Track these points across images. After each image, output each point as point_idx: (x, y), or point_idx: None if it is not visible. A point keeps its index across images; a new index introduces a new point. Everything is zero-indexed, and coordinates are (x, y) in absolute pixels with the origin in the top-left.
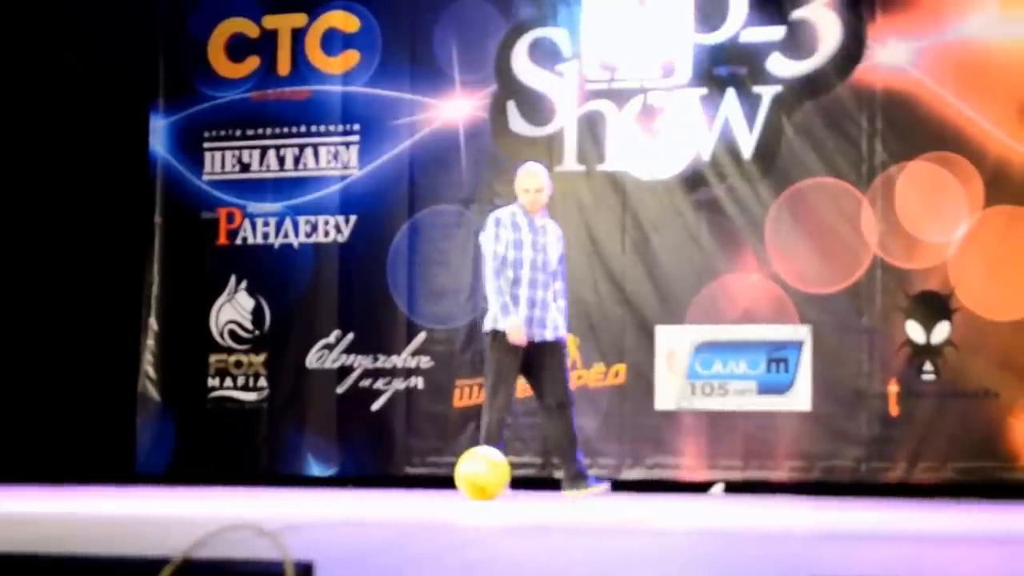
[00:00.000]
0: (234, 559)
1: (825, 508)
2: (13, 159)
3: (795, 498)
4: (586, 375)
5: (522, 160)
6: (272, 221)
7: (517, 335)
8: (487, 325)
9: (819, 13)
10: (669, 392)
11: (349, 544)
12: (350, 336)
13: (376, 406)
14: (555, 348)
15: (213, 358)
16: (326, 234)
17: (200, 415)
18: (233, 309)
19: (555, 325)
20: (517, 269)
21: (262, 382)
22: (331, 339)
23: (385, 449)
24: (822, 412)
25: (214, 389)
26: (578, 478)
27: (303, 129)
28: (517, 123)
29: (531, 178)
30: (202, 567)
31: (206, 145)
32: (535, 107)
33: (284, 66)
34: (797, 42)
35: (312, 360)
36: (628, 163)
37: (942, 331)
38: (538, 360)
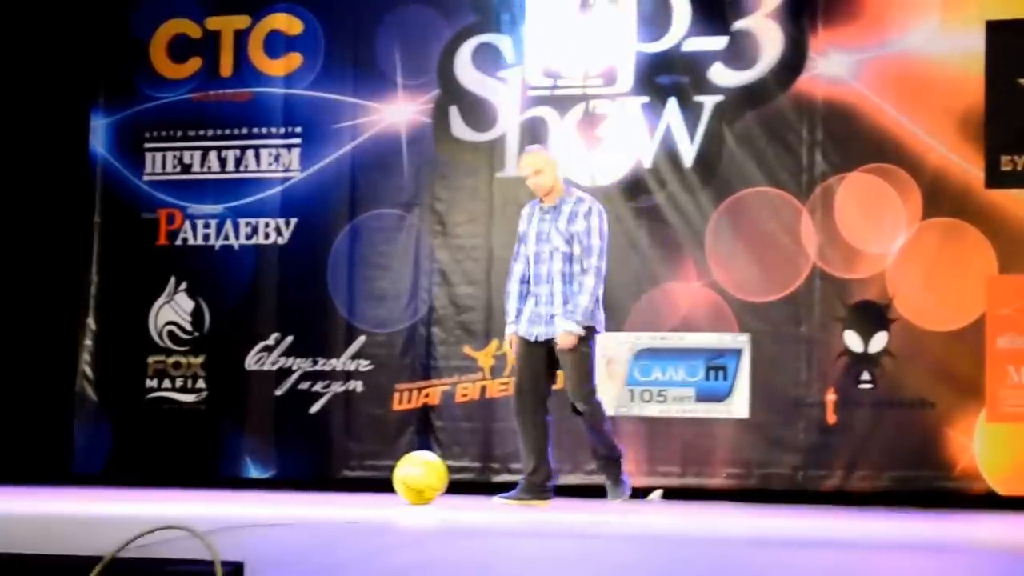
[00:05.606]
0: (165, 559)
1: (762, 515)
2: None
3: (732, 505)
4: None
5: (464, 165)
6: (212, 223)
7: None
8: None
9: (761, 24)
10: (608, 398)
11: (280, 545)
12: (289, 339)
13: (315, 409)
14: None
15: (151, 359)
16: (266, 236)
17: (138, 416)
18: (172, 310)
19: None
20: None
21: (200, 384)
22: (270, 341)
23: (323, 452)
24: (760, 420)
25: (152, 390)
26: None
27: (244, 131)
28: (459, 128)
29: (523, 163)
30: (133, 567)
31: (147, 146)
32: (477, 112)
33: (226, 67)
34: (739, 52)
35: (251, 362)
36: (569, 170)
37: (880, 341)
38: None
